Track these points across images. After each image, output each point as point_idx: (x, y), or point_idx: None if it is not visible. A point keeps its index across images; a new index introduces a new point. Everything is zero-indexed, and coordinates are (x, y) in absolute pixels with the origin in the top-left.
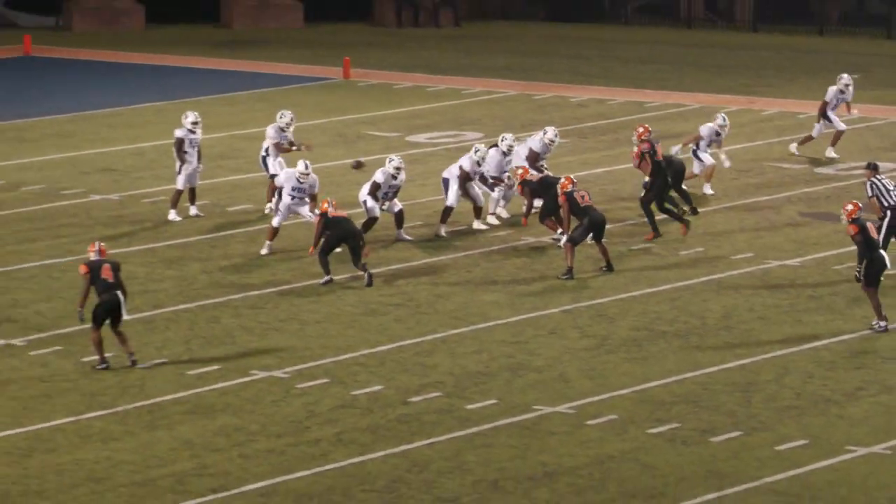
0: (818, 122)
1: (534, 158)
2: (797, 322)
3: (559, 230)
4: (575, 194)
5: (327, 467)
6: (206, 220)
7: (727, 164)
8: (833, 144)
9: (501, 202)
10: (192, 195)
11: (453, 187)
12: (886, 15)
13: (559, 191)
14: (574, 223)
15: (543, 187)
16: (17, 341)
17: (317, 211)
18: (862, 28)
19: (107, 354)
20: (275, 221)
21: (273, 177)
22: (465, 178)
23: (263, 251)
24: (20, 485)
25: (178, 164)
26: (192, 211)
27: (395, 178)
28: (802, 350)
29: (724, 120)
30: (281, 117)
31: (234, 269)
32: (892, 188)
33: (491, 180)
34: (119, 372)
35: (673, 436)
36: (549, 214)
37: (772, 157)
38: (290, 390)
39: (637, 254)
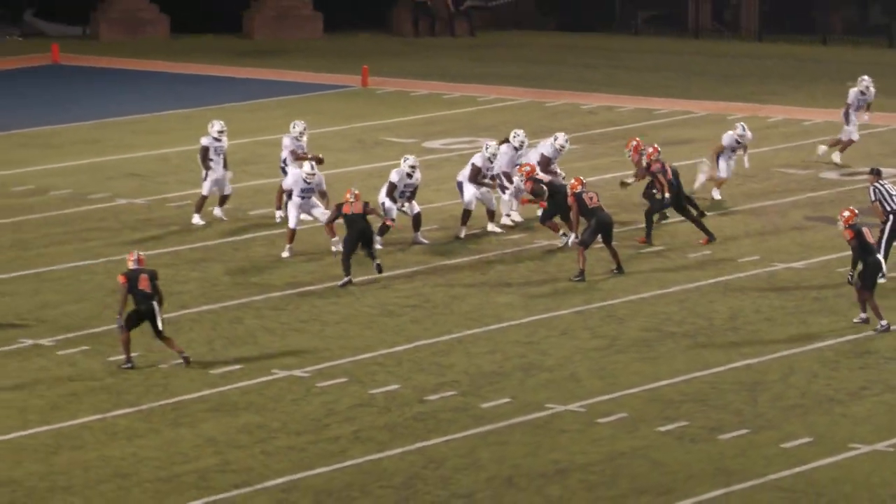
0: (847, 124)
1: (545, 164)
2: (802, 323)
3: (561, 231)
4: (584, 195)
5: (346, 464)
6: (228, 224)
7: (746, 165)
8: (842, 150)
9: (513, 204)
10: (224, 200)
11: (468, 188)
12: (888, 25)
13: (568, 191)
14: (582, 225)
15: (550, 191)
16: (45, 341)
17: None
18: (864, 38)
19: (133, 354)
20: (291, 224)
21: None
22: (476, 174)
23: (284, 254)
24: (47, 481)
25: (203, 171)
26: (217, 212)
27: (410, 176)
28: (807, 350)
29: (744, 129)
30: (294, 127)
31: (256, 272)
32: (894, 193)
33: (501, 179)
34: (144, 371)
35: (682, 433)
36: (551, 216)
37: (777, 163)
38: (310, 389)
39: (647, 257)
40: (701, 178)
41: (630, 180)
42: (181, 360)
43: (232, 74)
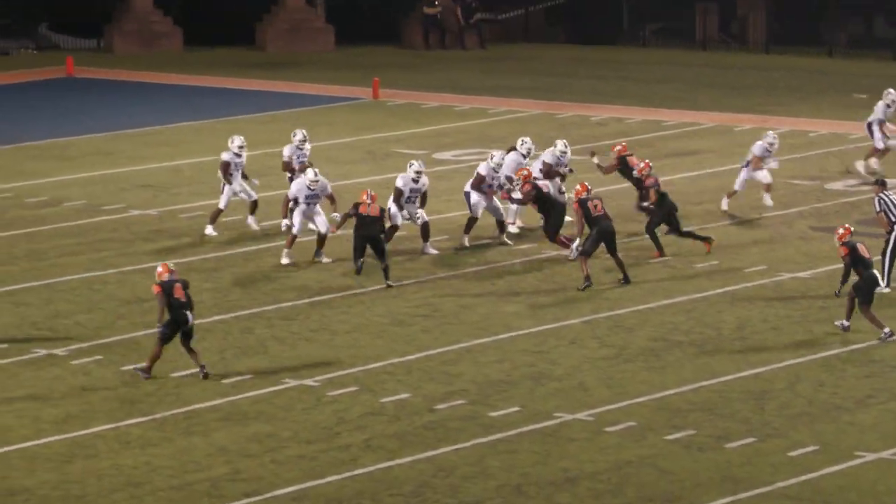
0: (882, 135)
1: (548, 171)
2: (808, 332)
3: (574, 243)
4: (588, 203)
5: (356, 472)
6: (239, 234)
7: (774, 165)
8: (866, 159)
9: (518, 211)
10: (254, 206)
11: (475, 199)
12: (893, 39)
13: (573, 197)
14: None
15: (548, 203)
16: (59, 351)
17: (336, 216)
18: (869, 51)
19: (145, 364)
20: (294, 230)
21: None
22: (479, 182)
23: (284, 260)
24: (61, 490)
25: (223, 184)
26: (250, 220)
27: (416, 181)
28: (814, 359)
29: (774, 137)
30: (294, 136)
31: (266, 282)
32: None
33: (507, 185)
34: (157, 381)
35: (689, 442)
36: (556, 232)
37: (783, 174)
38: (320, 398)
39: (654, 267)
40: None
41: (597, 161)
42: (199, 372)
43: (245, 87)
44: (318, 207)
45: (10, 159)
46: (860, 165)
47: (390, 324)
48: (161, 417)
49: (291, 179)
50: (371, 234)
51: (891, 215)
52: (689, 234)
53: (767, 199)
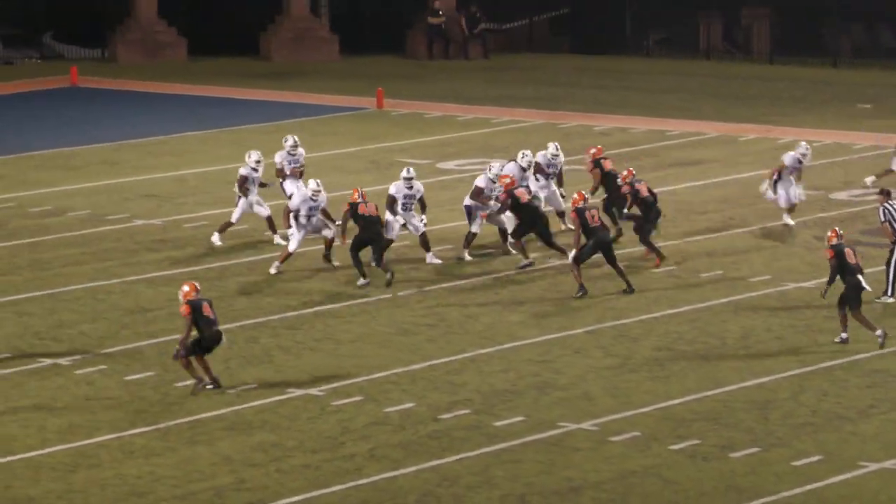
0: None
1: (538, 170)
2: (812, 342)
3: (527, 262)
4: (586, 212)
5: (361, 482)
6: (243, 244)
7: (801, 197)
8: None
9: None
10: (271, 223)
11: (476, 213)
12: None
13: (571, 206)
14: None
15: (527, 210)
16: (63, 361)
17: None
18: (874, 60)
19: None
20: (292, 247)
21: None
22: (478, 193)
23: (272, 270)
24: (65, 499)
25: (238, 197)
26: (277, 239)
27: (409, 188)
28: (817, 369)
29: (806, 148)
30: (286, 141)
31: (271, 291)
32: None
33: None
34: (161, 390)
35: (694, 452)
36: (524, 234)
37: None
38: (325, 407)
39: (658, 276)
40: (801, 196)
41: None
42: (211, 384)
43: (249, 97)
44: (319, 219)
45: (14, 169)
46: (869, 181)
47: (395, 333)
48: (165, 427)
49: (283, 187)
50: (375, 231)
51: (895, 224)
52: (649, 244)
53: (768, 193)
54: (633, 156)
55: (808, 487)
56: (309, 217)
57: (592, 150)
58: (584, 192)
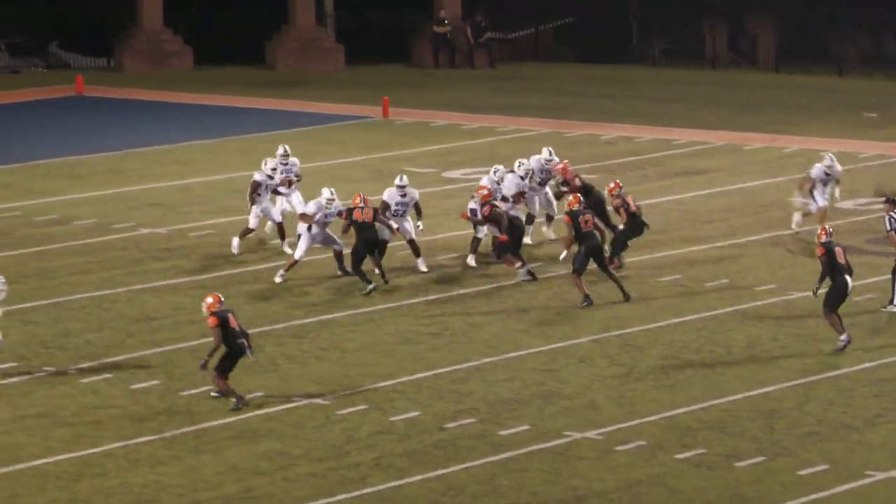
0: None
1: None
2: (818, 351)
3: (518, 264)
4: (580, 217)
5: (366, 491)
6: (249, 253)
7: (836, 196)
8: None
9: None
10: (282, 230)
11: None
12: None
13: (566, 209)
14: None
15: (508, 223)
16: (68, 369)
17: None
18: (879, 69)
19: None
20: (298, 254)
21: (302, 214)
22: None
23: (277, 279)
24: None
25: (250, 205)
26: (286, 248)
27: (402, 195)
28: (823, 378)
29: (832, 160)
30: (277, 150)
31: (277, 300)
32: None
33: (511, 200)
34: (167, 398)
35: (699, 461)
36: (507, 250)
37: (794, 193)
38: (330, 416)
39: (664, 285)
40: (797, 217)
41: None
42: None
43: (255, 105)
44: (328, 231)
45: (20, 177)
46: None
47: (400, 342)
48: (171, 436)
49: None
50: (371, 237)
51: None
52: (611, 275)
53: (798, 218)
54: (639, 164)
55: (814, 497)
56: (324, 225)
57: (559, 165)
58: (579, 196)
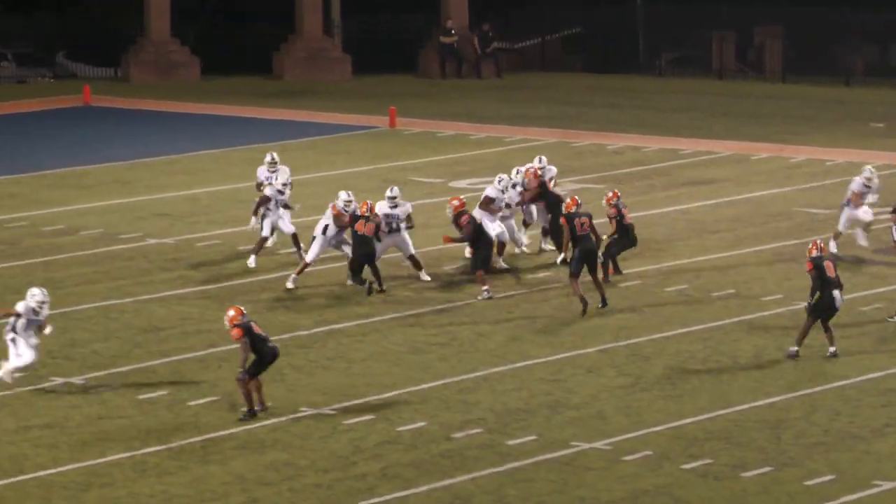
0: None
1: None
2: (825, 361)
3: (484, 287)
4: (576, 220)
5: (373, 501)
6: (257, 263)
7: (863, 242)
8: None
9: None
10: (296, 240)
11: (486, 223)
12: None
13: (562, 210)
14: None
15: (482, 237)
16: (75, 379)
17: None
18: (886, 79)
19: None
20: (309, 258)
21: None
22: (487, 204)
23: (289, 284)
24: None
25: (258, 219)
26: (296, 277)
27: (392, 207)
28: (830, 388)
29: (871, 172)
30: (266, 157)
31: (284, 310)
32: None
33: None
34: (174, 408)
35: (706, 471)
36: (480, 266)
37: (801, 203)
38: (337, 426)
39: (671, 295)
40: (860, 236)
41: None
42: (260, 407)
43: (262, 115)
44: (343, 234)
45: (27, 188)
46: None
47: (407, 352)
48: (178, 446)
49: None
50: (367, 251)
51: None
52: (597, 282)
53: (862, 239)
54: (645, 174)
55: None
56: (338, 231)
57: (530, 167)
58: (576, 198)
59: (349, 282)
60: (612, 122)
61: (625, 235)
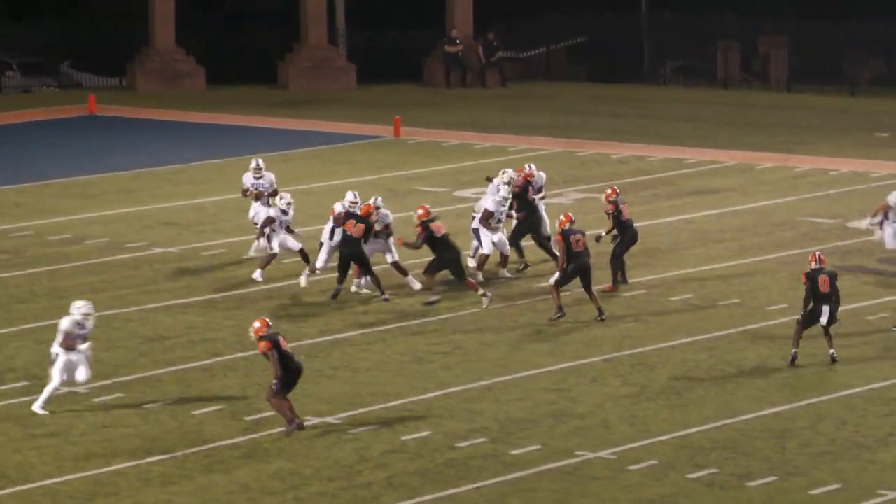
0: None
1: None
2: (830, 370)
3: (433, 298)
4: (571, 237)
5: None
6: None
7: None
8: None
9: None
10: (304, 255)
11: (485, 234)
12: None
13: (557, 228)
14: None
15: (440, 246)
16: (80, 389)
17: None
18: (891, 89)
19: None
20: (320, 263)
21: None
22: (487, 218)
23: (302, 282)
24: None
25: (264, 239)
26: (303, 279)
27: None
28: (835, 398)
29: None
30: (251, 163)
31: (288, 319)
32: None
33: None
34: (178, 418)
35: (711, 480)
36: (436, 271)
37: (805, 212)
38: (341, 435)
39: (676, 305)
40: (888, 241)
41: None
42: (296, 425)
43: (267, 125)
44: None
45: (32, 197)
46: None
47: (411, 361)
48: (182, 455)
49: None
50: (353, 252)
51: None
52: (617, 268)
53: (877, 233)
54: (650, 184)
55: None
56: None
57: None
58: (570, 214)
59: (353, 288)
60: (616, 132)
61: (623, 232)
